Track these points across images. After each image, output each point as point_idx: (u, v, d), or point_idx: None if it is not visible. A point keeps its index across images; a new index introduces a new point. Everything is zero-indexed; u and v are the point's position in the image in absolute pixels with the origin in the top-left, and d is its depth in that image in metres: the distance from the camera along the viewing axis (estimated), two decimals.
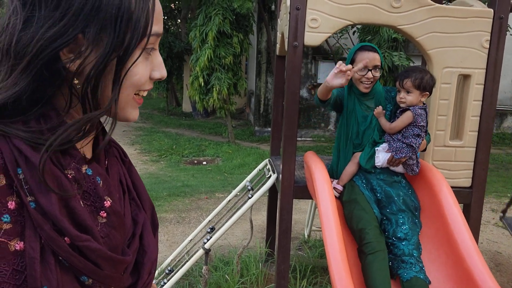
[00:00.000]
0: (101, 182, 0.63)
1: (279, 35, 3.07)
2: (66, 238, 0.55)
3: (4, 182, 0.53)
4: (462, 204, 2.50)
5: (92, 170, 0.62)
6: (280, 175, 2.50)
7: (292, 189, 2.48)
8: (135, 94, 0.62)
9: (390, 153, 2.16)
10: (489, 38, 2.37)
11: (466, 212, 2.48)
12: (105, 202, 0.62)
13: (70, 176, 0.58)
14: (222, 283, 2.85)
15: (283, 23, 2.76)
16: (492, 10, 2.35)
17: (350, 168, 2.23)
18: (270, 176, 2.85)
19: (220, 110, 8.86)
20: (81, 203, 0.58)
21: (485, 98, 2.44)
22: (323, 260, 3.37)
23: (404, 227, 2.00)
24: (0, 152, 0.54)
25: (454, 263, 1.89)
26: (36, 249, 0.53)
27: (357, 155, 2.23)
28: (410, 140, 2.13)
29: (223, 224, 2.77)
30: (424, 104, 2.22)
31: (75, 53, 0.55)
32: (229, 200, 3.31)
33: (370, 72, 2.15)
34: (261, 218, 4.38)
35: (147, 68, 0.61)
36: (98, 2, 0.54)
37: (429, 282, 1.89)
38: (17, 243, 0.53)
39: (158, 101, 16.68)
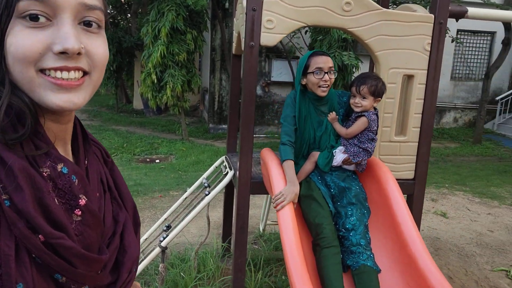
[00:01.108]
0: (77, 180, 0.62)
1: (235, 34, 3.12)
2: (40, 236, 0.55)
3: None
4: (406, 195, 2.69)
5: (67, 169, 0.61)
6: (237, 172, 2.56)
7: (249, 185, 2.54)
8: (42, 72, 0.57)
9: (346, 155, 2.28)
10: (430, 41, 2.57)
11: (410, 202, 2.67)
12: (80, 201, 0.61)
13: (45, 174, 0.58)
14: (179, 280, 2.87)
15: (239, 23, 2.81)
16: (433, 16, 2.54)
17: (308, 167, 2.31)
18: (227, 173, 2.89)
19: (173, 108, 8.75)
20: (56, 201, 0.58)
21: (426, 96, 2.64)
22: (277, 252, 3.48)
23: (352, 219, 2.11)
24: None
25: (399, 249, 2.05)
26: (11, 247, 0.53)
27: (315, 154, 2.32)
28: (366, 145, 2.26)
29: (180, 222, 2.79)
30: (376, 109, 2.36)
31: None
32: (186, 198, 3.32)
33: (326, 74, 2.23)
34: (216, 215, 4.42)
35: (36, 39, 0.55)
36: None
37: (379, 270, 2.01)
38: None
39: (106, 98, 16.10)
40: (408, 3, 7.44)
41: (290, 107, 2.32)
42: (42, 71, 0.57)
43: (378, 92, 2.27)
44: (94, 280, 0.62)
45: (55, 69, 0.57)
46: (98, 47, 0.61)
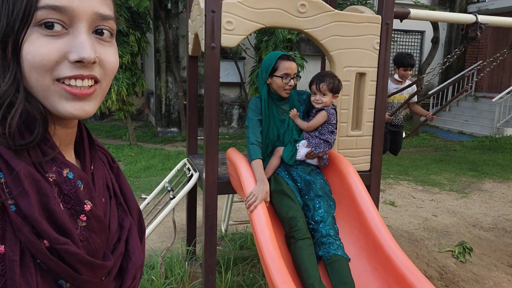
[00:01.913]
0: (82, 186, 0.62)
1: (191, 35, 3.11)
2: (45, 241, 0.55)
3: None
4: None
5: (73, 174, 0.62)
6: (204, 174, 2.57)
7: (216, 185, 2.56)
8: (59, 81, 0.57)
9: (309, 148, 2.40)
10: (379, 40, 2.74)
11: None
12: (85, 206, 0.62)
13: (51, 179, 0.58)
14: (147, 287, 2.82)
15: (196, 24, 2.82)
16: (380, 17, 2.72)
17: (274, 162, 2.40)
18: (192, 175, 2.89)
19: (118, 112, 8.47)
20: (61, 206, 0.58)
21: (377, 92, 2.82)
22: (243, 251, 3.53)
23: (320, 211, 2.22)
24: None
25: (365, 237, 2.18)
26: (16, 252, 0.53)
27: (279, 149, 2.42)
28: (326, 136, 2.40)
29: (146, 227, 2.73)
30: (334, 104, 2.50)
31: None
32: (148, 203, 3.26)
33: (292, 80, 2.38)
34: (176, 219, 4.36)
35: (52, 47, 0.56)
36: None
37: (349, 259, 2.12)
38: None
39: None
40: (351, 5, 7.82)
41: (253, 112, 2.43)
42: (58, 80, 0.58)
43: (336, 88, 2.43)
44: (98, 286, 0.62)
45: (70, 78, 0.57)
46: (110, 56, 0.63)
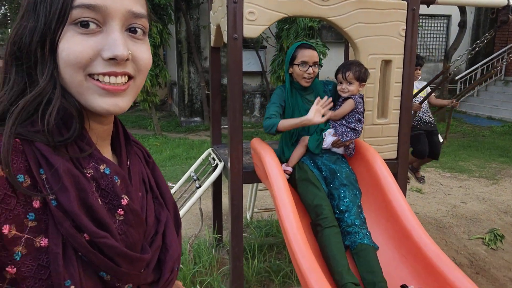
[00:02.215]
0: (119, 181, 0.64)
1: (213, 26, 3.13)
2: (85, 235, 0.57)
3: (29, 182, 0.56)
4: None
5: (110, 169, 0.63)
6: (228, 163, 2.60)
7: (241, 175, 2.59)
8: (91, 77, 0.59)
9: (336, 137, 2.39)
10: (405, 27, 2.69)
11: None
12: (122, 200, 0.63)
13: (88, 175, 0.61)
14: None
15: (218, 16, 2.83)
16: (406, 3, 2.66)
17: (299, 151, 2.41)
18: (217, 165, 2.93)
19: (143, 103, 8.61)
20: (99, 201, 0.60)
21: (404, 80, 2.77)
22: (268, 238, 3.57)
23: (345, 200, 2.21)
24: (25, 155, 0.57)
25: (392, 225, 2.17)
26: (59, 245, 0.56)
27: (305, 138, 2.43)
28: (354, 124, 2.38)
29: None
30: (361, 93, 2.48)
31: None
32: (174, 192, 3.33)
33: (311, 68, 2.36)
34: (202, 206, 4.44)
35: (86, 45, 0.57)
36: None
37: (377, 247, 2.12)
38: (42, 240, 0.55)
39: None
40: None
41: (277, 96, 2.45)
42: (91, 75, 0.59)
43: (362, 77, 2.40)
44: (137, 278, 0.63)
45: (104, 74, 0.59)
46: (143, 53, 0.64)
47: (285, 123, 2.27)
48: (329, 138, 2.40)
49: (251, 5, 2.44)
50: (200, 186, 2.89)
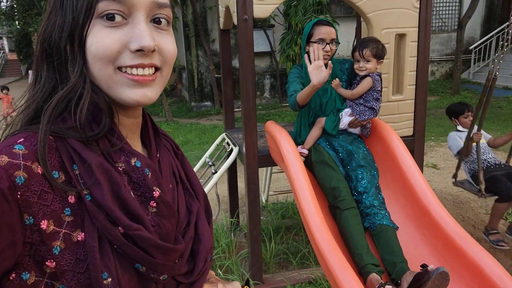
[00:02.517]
0: (150, 173, 0.64)
1: (221, 8, 3.07)
2: (119, 228, 0.58)
3: (64, 178, 0.57)
4: None
5: (140, 162, 0.64)
6: (243, 147, 2.59)
7: (257, 159, 2.58)
8: (119, 70, 0.59)
9: (353, 117, 2.34)
10: None
11: None
12: (154, 193, 0.64)
13: (120, 169, 0.61)
14: None
15: None
16: None
17: (315, 133, 2.37)
18: (232, 149, 2.92)
19: None
20: (132, 193, 0.61)
21: (419, 53, 2.69)
22: (285, 220, 3.58)
23: (363, 182, 2.17)
24: (58, 152, 0.58)
25: (411, 203, 2.15)
26: (95, 239, 0.57)
27: (321, 120, 2.38)
28: (372, 103, 2.33)
29: None
30: (378, 71, 2.41)
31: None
32: None
33: (328, 45, 2.27)
34: (218, 191, 4.47)
35: (114, 37, 0.58)
36: None
37: (396, 227, 2.10)
38: (79, 234, 0.57)
39: None
40: None
41: (294, 76, 2.38)
42: (119, 68, 0.59)
43: (380, 54, 2.34)
44: (172, 269, 0.64)
45: (132, 67, 0.59)
46: (169, 44, 0.63)
47: (301, 95, 2.20)
48: (346, 118, 2.36)
49: None
50: (216, 172, 2.89)
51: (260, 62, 10.56)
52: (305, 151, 2.38)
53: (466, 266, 1.79)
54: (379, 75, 2.39)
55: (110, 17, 0.57)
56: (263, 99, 10.70)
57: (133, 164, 0.63)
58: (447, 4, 11.86)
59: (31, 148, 0.55)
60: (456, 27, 10.93)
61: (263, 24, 9.76)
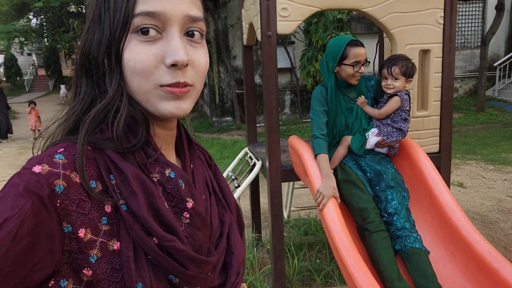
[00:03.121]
0: (184, 184, 0.65)
1: (245, 25, 3.13)
2: (154, 239, 0.58)
3: (101, 188, 0.58)
4: None
5: (174, 173, 0.64)
6: (267, 162, 2.59)
7: (280, 173, 2.58)
8: (160, 86, 0.59)
9: (380, 137, 2.28)
10: (442, 14, 2.58)
11: None
12: (187, 204, 0.64)
13: (155, 180, 0.62)
14: None
15: (251, 14, 2.82)
16: None
17: (341, 152, 2.30)
18: (255, 164, 2.93)
19: None
20: (166, 204, 0.61)
21: (444, 69, 2.66)
22: (308, 237, 3.54)
23: (393, 203, 2.09)
24: (96, 162, 0.59)
25: (439, 221, 2.10)
26: (130, 249, 0.57)
27: (347, 138, 2.31)
28: (400, 124, 2.26)
29: None
30: (407, 90, 2.35)
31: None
32: None
33: (362, 66, 2.24)
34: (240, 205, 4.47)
35: (150, 53, 0.58)
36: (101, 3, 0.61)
37: (428, 252, 1.99)
38: (115, 243, 0.57)
39: None
40: None
41: (318, 102, 2.30)
42: (157, 86, 0.60)
43: (409, 72, 2.28)
44: (205, 281, 0.63)
45: (170, 85, 0.60)
46: (201, 58, 0.64)
47: (319, 161, 2.18)
48: (372, 139, 2.29)
49: (284, 1, 2.42)
50: (239, 186, 2.90)
51: (280, 78, 10.63)
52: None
53: (499, 287, 1.73)
54: (408, 94, 2.32)
55: (144, 31, 0.58)
56: (283, 115, 10.72)
57: (167, 175, 0.63)
58: (470, 21, 11.74)
59: (71, 158, 0.56)
60: (479, 44, 10.78)
61: (284, 41, 9.86)
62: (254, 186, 3.45)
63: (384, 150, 2.35)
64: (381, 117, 2.31)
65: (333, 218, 1.95)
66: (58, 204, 0.52)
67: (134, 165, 0.60)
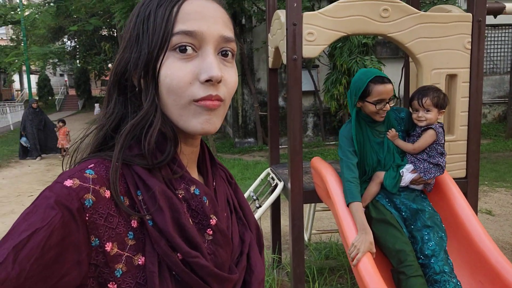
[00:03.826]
0: (207, 201, 0.65)
1: (271, 49, 3.20)
2: (178, 254, 0.59)
3: (128, 203, 0.59)
4: None
5: (199, 190, 0.65)
6: (289, 183, 2.60)
7: (302, 195, 2.58)
8: (194, 101, 0.61)
9: (415, 174, 2.15)
10: (470, 39, 2.58)
11: None
12: (211, 221, 0.64)
13: (180, 196, 0.63)
14: None
15: (277, 38, 2.89)
16: (470, 14, 2.56)
17: (373, 189, 2.16)
18: (277, 184, 2.94)
19: None
20: (190, 221, 0.62)
21: (471, 94, 2.64)
22: (329, 261, 3.48)
23: (430, 244, 1.95)
24: (124, 178, 0.61)
25: (466, 249, 2.03)
26: (155, 264, 0.58)
27: (379, 174, 2.18)
28: (437, 159, 2.14)
29: None
30: (440, 122, 2.26)
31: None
32: None
33: (387, 104, 2.09)
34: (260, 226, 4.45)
35: (186, 70, 0.61)
36: (141, 23, 0.64)
37: None
38: (140, 258, 0.58)
39: None
40: (434, 4, 7.43)
41: (346, 140, 2.17)
42: (193, 100, 0.62)
43: (441, 103, 2.20)
44: None
45: (203, 99, 0.62)
46: (232, 76, 0.67)
47: (353, 211, 2.03)
48: (408, 176, 2.15)
49: (310, 26, 2.48)
50: (260, 206, 2.90)
51: (304, 101, 10.68)
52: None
53: None
54: (442, 126, 2.22)
55: (182, 49, 0.61)
56: (305, 137, 10.72)
57: (192, 191, 0.64)
58: (499, 47, 11.58)
59: (100, 174, 0.58)
60: (508, 70, 10.58)
61: (308, 64, 9.95)
62: (275, 207, 3.45)
63: (419, 187, 2.21)
64: (415, 152, 2.18)
65: (370, 274, 1.85)
66: (87, 218, 0.54)
67: (161, 182, 0.62)
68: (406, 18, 2.52)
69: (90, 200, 0.55)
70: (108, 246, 0.56)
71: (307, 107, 10.79)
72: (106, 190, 0.57)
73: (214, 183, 0.74)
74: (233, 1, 8.91)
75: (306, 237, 4.01)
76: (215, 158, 0.79)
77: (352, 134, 2.14)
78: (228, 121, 12.21)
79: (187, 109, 0.62)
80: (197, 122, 0.63)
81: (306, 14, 2.48)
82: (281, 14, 2.71)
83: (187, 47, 0.61)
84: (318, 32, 2.49)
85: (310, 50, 2.50)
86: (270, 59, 3.27)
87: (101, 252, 0.55)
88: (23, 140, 9.96)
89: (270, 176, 3.19)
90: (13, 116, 16.83)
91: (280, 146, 3.57)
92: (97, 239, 0.55)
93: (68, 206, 0.53)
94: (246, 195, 3.35)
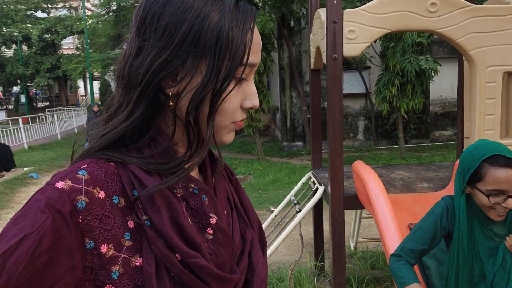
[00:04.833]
0: (207, 200, 0.64)
1: (313, 49, 3.12)
2: (177, 255, 0.57)
3: (124, 203, 0.57)
4: None
5: (198, 188, 0.64)
6: (329, 187, 2.51)
7: (343, 200, 2.48)
8: (233, 122, 0.63)
9: None
10: None
11: None
12: (211, 219, 0.62)
13: (179, 195, 0.61)
14: None
15: (318, 37, 2.81)
16: None
17: None
18: (317, 189, 2.85)
19: (248, 129, 8.94)
20: (189, 220, 0.60)
21: None
22: (374, 271, 3.32)
23: None
24: (119, 177, 0.59)
25: None
26: (153, 265, 0.56)
27: None
28: None
29: (273, 240, 2.78)
30: None
31: (175, 81, 0.59)
32: (275, 216, 3.32)
33: (510, 199, 1.35)
34: (303, 232, 4.36)
35: (237, 97, 0.62)
36: (199, 33, 0.57)
37: None
38: (137, 259, 0.56)
39: None
40: None
41: (431, 222, 1.51)
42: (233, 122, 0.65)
43: None
44: None
45: (241, 121, 0.65)
46: None
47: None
48: None
49: (351, 24, 2.38)
50: (300, 210, 2.83)
51: (354, 104, 10.40)
52: None
53: None
54: None
55: (241, 79, 0.62)
56: (356, 141, 10.42)
57: (191, 190, 0.63)
58: None
59: (94, 174, 0.56)
60: None
61: (359, 65, 9.68)
62: (318, 212, 3.35)
63: None
64: None
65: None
66: (80, 220, 0.53)
67: (157, 180, 0.59)
68: (457, 12, 2.34)
69: (83, 201, 0.53)
70: (104, 248, 0.54)
71: (358, 110, 10.48)
72: (100, 191, 0.56)
73: (213, 180, 0.71)
74: (281, 4, 8.89)
75: (352, 245, 3.87)
76: (215, 154, 0.77)
77: (456, 222, 1.46)
78: (277, 124, 12.18)
79: (226, 128, 0.64)
80: (228, 138, 0.66)
81: (347, 11, 2.39)
82: (321, 13, 2.64)
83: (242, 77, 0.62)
84: (360, 30, 2.38)
85: (351, 48, 2.41)
86: (312, 60, 3.20)
87: (96, 254, 0.54)
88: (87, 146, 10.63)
89: (311, 180, 3.10)
90: (77, 120, 17.97)
91: (324, 150, 3.48)
92: (91, 241, 0.54)
93: (59, 209, 0.52)
94: (287, 199, 3.29)
